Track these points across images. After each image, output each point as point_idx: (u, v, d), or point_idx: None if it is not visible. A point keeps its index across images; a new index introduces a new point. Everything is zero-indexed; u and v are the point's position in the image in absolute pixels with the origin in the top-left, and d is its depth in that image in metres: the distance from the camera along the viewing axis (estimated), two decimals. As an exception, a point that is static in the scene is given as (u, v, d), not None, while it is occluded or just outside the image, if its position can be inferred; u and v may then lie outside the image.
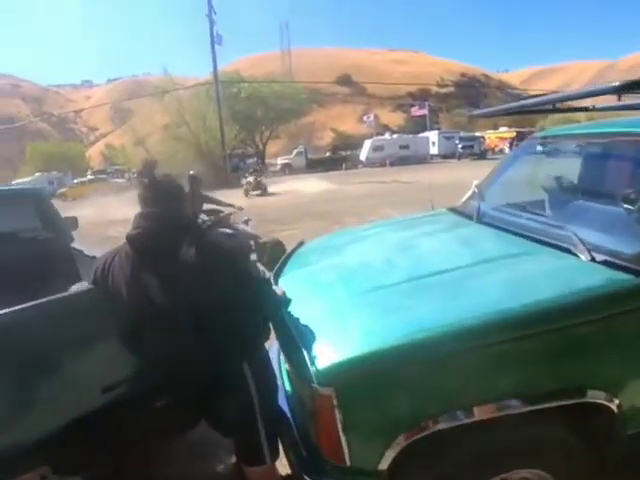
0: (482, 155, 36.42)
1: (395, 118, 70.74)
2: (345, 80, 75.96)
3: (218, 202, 6.10)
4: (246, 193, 20.00)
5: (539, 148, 2.72)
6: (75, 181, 38.48)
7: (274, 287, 1.91)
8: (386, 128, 53.31)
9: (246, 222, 5.91)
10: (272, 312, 1.72)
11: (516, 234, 1.94)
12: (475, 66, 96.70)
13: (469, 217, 2.33)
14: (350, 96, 77.81)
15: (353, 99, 77.01)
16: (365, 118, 49.70)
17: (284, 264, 2.29)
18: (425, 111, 51.03)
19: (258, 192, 19.70)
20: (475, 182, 2.95)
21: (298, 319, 1.69)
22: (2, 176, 43.45)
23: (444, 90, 76.96)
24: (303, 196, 17.32)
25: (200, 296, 1.52)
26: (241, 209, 6.16)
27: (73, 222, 4.66)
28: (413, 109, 54.72)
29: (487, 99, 75.91)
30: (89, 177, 40.82)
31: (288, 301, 1.82)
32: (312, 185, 20.64)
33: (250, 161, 41.32)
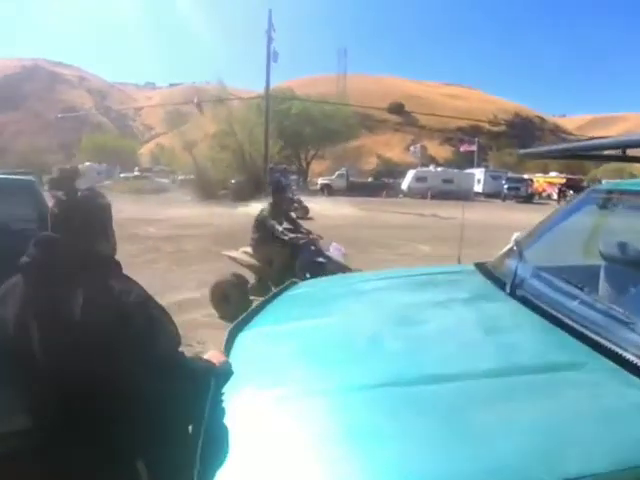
0: (528, 198, 35.24)
1: (443, 151, 69.91)
2: (397, 108, 75.88)
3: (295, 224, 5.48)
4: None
5: (601, 203, 2.21)
6: (122, 175, 39.62)
7: (211, 355, 1.46)
8: (432, 160, 52.60)
9: (337, 249, 5.30)
10: (192, 400, 1.26)
11: (562, 325, 1.42)
12: (530, 107, 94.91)
13: (500, 283, 1.80)
14: (400, 125, 77.58)
15: (403, 128, 76.73)
16: (412, 148, 49.28)
17: (257, 311, 1.85)
18: (474, 147, 50.18)
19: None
20: (515, 235, 2.44)
21: (225, 427, 1.17)
22: (54, 160, 45.38)
23: (496, 128, 75.65)
24: (335, 219, 16.91)
25: (78, 367, 1.10)
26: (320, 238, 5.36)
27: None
28: (462, 145, 53.97)
29: (540, 142, 74.18)
30: (135, 173, 42.03)
31: (224, 379, 1.35)
32: (347, 209, 20.22)
33: (292, 177, 41.51)
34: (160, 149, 53.95)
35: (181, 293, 6.10)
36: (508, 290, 1.68)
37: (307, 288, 2.20)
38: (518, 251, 2.02)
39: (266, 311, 1.90)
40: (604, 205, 2.25)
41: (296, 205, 19.34)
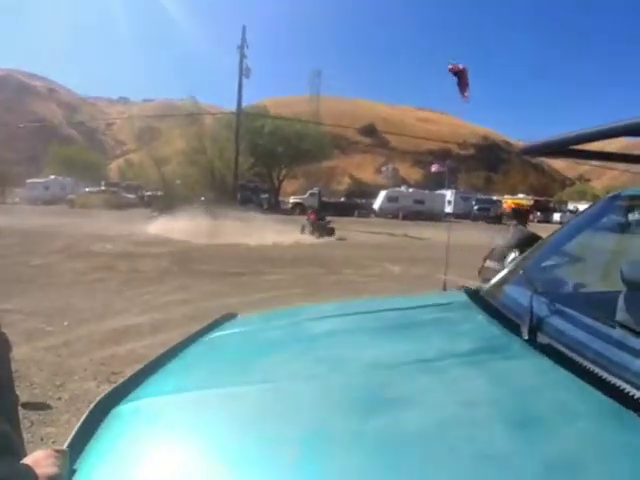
0: (497, 219, 35.76)
1: (413, 173, 70.91)
2: (369, 130, 76.70)
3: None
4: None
5: (623, 213, 1.75)
6: (87, 189, 38.23)
7: (36, 460, 0.87)
8: (403, 181, 53.06)
9: None
10: None
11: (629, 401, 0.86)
12: (497, 132, 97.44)
13: (510, 324, 1.25)
14: (372, 146, 78.39)
15: (375, 150, 77.53)
16: (383, 169, 49.68)
17: (160, 364, 1.24)
18: (444, 169, 50.95)
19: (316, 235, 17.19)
20: (512, 255, 1.93)
21: None
22: (20, 172, 43.81)
23: (464, 152, 77.28)
24: (305, 239, 16.38)
25: None
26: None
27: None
28: (433, 166, 54.77)
29: (506, 165, 76.20)
30: (101, 188, 40.66)
31: None
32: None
33: (263, 196, 41.02)
34: (128, 165, 52.66)
35: (124, 319, 5.39)
36: (526, 335, 1.13)
37: (243, 327, 1.61)
38: (526, 277, 1.49)
39: (177, 364, 1.30)
40: (626, 215, 1.77)
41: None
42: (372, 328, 1.42)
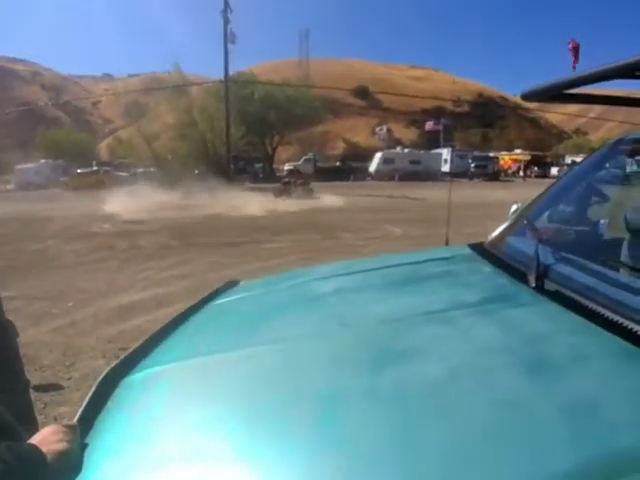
0: (495, 176, 35.60)
1: (408, 133, 70.05)
2: (361, 92, 75.12)
3: None
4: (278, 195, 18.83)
5: (625, 158, 1.71)
6: (79, 171, 37.80)
7: (43, 437, 0.86)
8: (398, 142, 52.45)
9: None
10: None
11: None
12: (493, 87, 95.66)
13: (516, 273, 1.24)
14: (365, 108, 77.03)
15: (368, 112, 76.21)
16: (378, 130, 49.03)
17: (167, 333, 1.24)
18: (439, 127, 50.38)
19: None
20: (514, 206, 1.90)
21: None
22: (12, 158, 43.29)
23: (459, 109, 76.02)
24: (301, 204, 16.29)
25: None
26: None
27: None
28: (427, 124, 54.11)
29: (502, 121, 75.24)
30: (93, 168, 40.19)
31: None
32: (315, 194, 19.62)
33: (258, 165, 40.62)
34: (118, 142, 51.92)
35: (128, 295, 5.41)
36: (533, 283, 1.12)
37: (247, 292, 1.59)
38: (530, 227, 1.47)
39: (183, 332, 1.29)
40: (630, 160, 1.74)
41: None
42: (377, 284, 1.41)
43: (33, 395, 3.07)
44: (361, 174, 37.30)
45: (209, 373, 1.01)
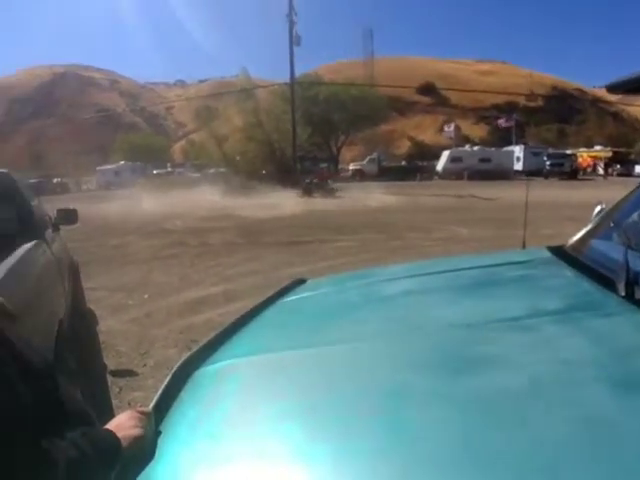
0: (573, 174, 33.41)
1: (477, 130, 67.60)
2: (428, 89, 73.52)
3: None
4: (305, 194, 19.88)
5: None
6: (155, 172, 40.04)
7: (119, 423, 0.89)
8: (467, 140, 50.74)
9: None
10: None
11: None
12: (568, 80, 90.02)
13: (603, 280, 1.14)
14: (432, 106, 75.27)
15: (435, 109, 74.41)
16: (446, 128, 47.74)
17: (236, 328, 1.26)
18: (511, 123, 48.14)
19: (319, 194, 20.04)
20: (598, 207, 1.77)
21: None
22: (92, 161, 46.70)
23: (532, 104, 72.22)
24: (367, 204, 16.19)
25: None
26: None
27: (71, 215, 3.94)
28: (499, 120, 51.89)
29: (580, 115, 70.67)
30: (168, 170, 42.42)
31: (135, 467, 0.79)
32: (378, 194, 19.45)
33: (323, 165, 40.94)
34: (191, 145, 54.41)
35: (200, 290, 5.65)
36: (622, 291, 1.02)
37: (314, 291, 1.59)
38: (618, 230, 1.35)
39: (252, 329, 1.31)
40: None
41: None
42: (450, 287, 1.35)
43: (109, 380, 3.28)
44: (428, 173, 36.46)
45: (278, 370, 1.01)
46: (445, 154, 36.80)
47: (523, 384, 0.80)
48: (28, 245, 2.59)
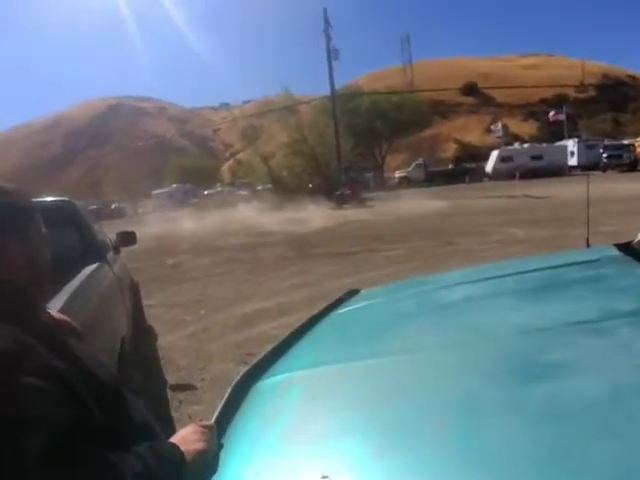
0: (633, 166, 31.44)
1: (527, 127, 65.24)
2: (470, 89, 71.89)
3: None
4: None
5: None
6: (205, 192, 41.33)
7: (183, 437, 0.89)
8: (516, 138, 49.01)
9: None
10: None
11: None
12: (619, 66, 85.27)
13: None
14: (476, 106, 73.46)
15: (479, 109, 72.55)
16: (493, 127, 46.37)
17: (292, 341, 1.24)
18: (562, 117, 46.11)
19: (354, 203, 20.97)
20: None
21: None
22: (147, 186, 48.92)
23: (583, 95, 68.97)
24: (415, 210, 15.95)
25: None
26: None
27: (130, 238, 4.15)
28: (550, 115, 49.85)
29: (635, 103, 66.74)
30: (218, 189, 43.69)
31: None
32: (427, 199, 19.13)
33: (368, 175, 40.83)
34: (238, 164, 55.85)
35: (253, 304, 5.74)
36: None
37: (369, 301, 1.56)
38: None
39: (308, 341, 1.29)
40: None
41: None
42: (514, 291, 1.28)
43: (169, 394, 3.37)
44: (477, 175, 35.48)
45: (337, 382, 0.99)
46: (494, 154, 35.68)
47: (602, 391, 0.74)
48: (91, 267, 2.72)
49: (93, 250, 3.10)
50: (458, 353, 0.97)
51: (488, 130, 57.75)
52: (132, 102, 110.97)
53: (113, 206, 39.95)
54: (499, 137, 42.79)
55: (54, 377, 0.75)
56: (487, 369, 0.89)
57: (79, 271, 2.52)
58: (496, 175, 33.53)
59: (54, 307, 1.05)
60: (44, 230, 0.99)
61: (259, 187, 36.93)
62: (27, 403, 0.69)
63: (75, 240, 3.15)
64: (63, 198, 3.41)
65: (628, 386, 0.76)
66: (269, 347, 1.26)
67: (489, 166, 35.54)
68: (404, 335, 1.14)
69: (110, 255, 3.50)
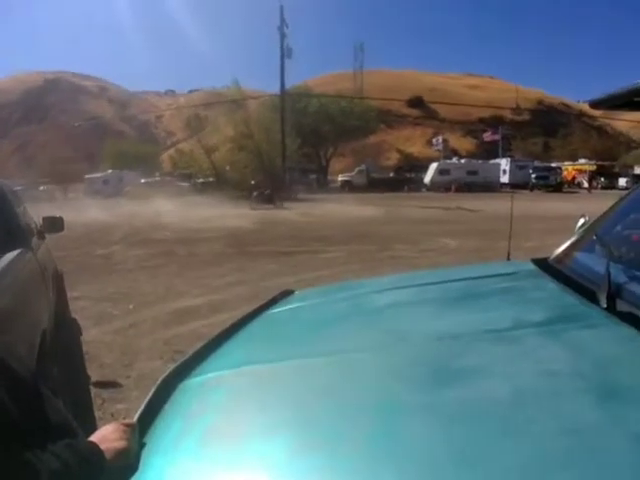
0: (557, 187, 33.96)
1: (465, 143, 68.46)
2: (416, 102, 74.31)
3: None
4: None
5: None
6: (143, 181, 39.73)
7: (103, 435, 0.89)
8: (455, 153, 51.32)
9: None
10: None
11: None
12: (554, 95, 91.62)
13: (585, 292, 1.16)
14: (420, 119, 76.10)
15: (423, 122, 75.22)
16: (434, 141, 48.30)
17: (221, 341, 1.25)
18: (498, 137, 48.89)
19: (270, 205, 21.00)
20: (581, 220, 1.81)
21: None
22: (81, 169, 46.29)
23: (519, 118, 73.41)
24: (355, 216, 16.26)
25: None
26: None
27: (57, 223, 3.92)
28: (485, 134, 52.69)
29: (565, 129, 71.95)
30: (156, 178, 42.14)
31: None
32: (367, 205, 19.57)
33: (312, 176, 41.08)
34: (179, 154, 54.19)
35: (185, 300, 5.60)
36: (604, 303, 1.04)
37: (302, 302, 1.59)
38: (600, 242, 1.38)
39: (238, 340, 1.30)
40: None
41: None
42: (435, 299, 1.37)
43: (93, 391, 3.23)
44: (416, 185, 36.81)
45: (264, 382, 1.01)
46: (433, 166, 37.23)
47: (507, 395, 0.81)
48: (13, 253, 2.55)
49: (16, 234, 2.91)
50: (380, 357, 1.03)
51: (430, 143, 60.02)
52: (71, 78, 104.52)
53: (41, 188, 37.43)
54: (439, 150, 44.72)
55: None
56: (405, 373, 0.94)
57: (-2, 256, 2.36)
58: (434, 186, 35.01)
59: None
60: None
61: (200, 180, 36.09)
62: None
63: (-4, 223, 2.95)
64: (-14, 176, 3.18)
65: (530, 390, 0.84)
66: (198, 345, 1.26)
67: (428, 177, 37.02)
68: (332, 338, 1.18)
69: (34, 241, 3.29)
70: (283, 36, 28.90)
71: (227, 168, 33.33)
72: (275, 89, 33.65)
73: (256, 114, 34.93)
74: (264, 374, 1.03)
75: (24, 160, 62.59)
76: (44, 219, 3.92)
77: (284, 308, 1.56)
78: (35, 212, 4.23)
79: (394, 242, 10.06)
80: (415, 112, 76.97)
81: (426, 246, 9.57)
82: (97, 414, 2.89)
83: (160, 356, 3.85)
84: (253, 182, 28.95)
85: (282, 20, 29.01)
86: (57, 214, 4.13)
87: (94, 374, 3.50)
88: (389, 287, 1.58)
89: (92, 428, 0.92)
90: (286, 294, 1.75)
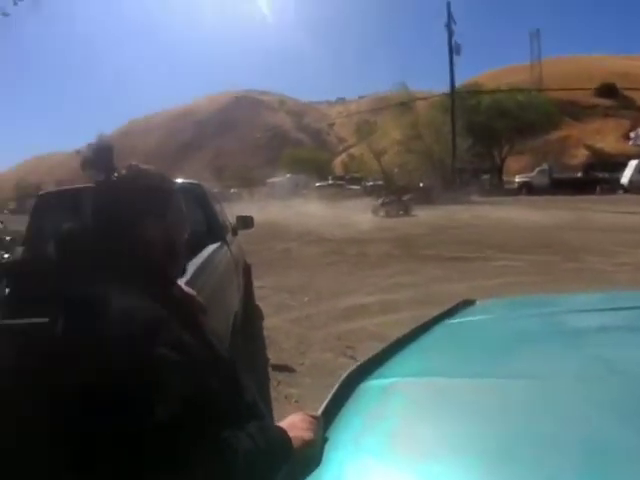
0: None
1: (676, 136, 57.21)
2: (607, 90, 64.58)
3: None
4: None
5: None
6: (317, 184, 42.49)
7: (292, 423, 0.88)
8: (660, 147, 43.24)
9: None
10: None
11: None
12: None
13: None
14: (613, 109, 65.89)
15: (617, 113, 65.01)
16: (632, 134, 41.47)
17: (399, 347, 1.20)
18: None
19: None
20: None
21: None
22: (264, 174, 52.09)
23: None
24: (534, 221, 14.82)
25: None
26: None
27: (248, 221, 4.43)
28: None
29: None
30: (329, 182, 44.67)
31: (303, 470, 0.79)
32: (551, 209, 17.69)
33: (485, 177, 38.76)
34: (350, 159, 56.53)
35: (356, 297, 5.81)
36: None
37: (485, 313, 1.46)
38: None
39: (418, 348, 1.25)
40: None
41: None
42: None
43: (270, 373, 3.53)
44: (610, 186, 31.91)
45: (446, 395, 0.95)
46: (632, 164, 31.77)
47: None
48: (213, 246, 2.93)
49: (215, 230, 3.34)
50: (587, 387, 0.88)
51: (625, 137, 51.72)
52: (254, 95, 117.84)
53: (232, 191, 42.93)
54: (638, 145, 38.07)
55: (185, 352, 0.79)
56: (622, 409, 0.79)
57: (202, 249, 2.72)
58: (633, 188, 29.79)
59: (181, 281, 1.13)
60: (184, 210, 1.05)
61: (370, 183, 36.91)
62: (162, 374, 0.74)
63: (201, 220, 3.42)
64: (193, 180, 3.71)
65: None
66: (379, 348, 1.24)
67: (625, 177, 31.73)
68: (524, 358, 1.06)
69: (229, 236, 3.74)
70: (451, 32, 27.90)
71: (395, 170, 33.56)
72: (443, 88, 32.73)
73: (425, 115, 34.41)
74: (445, 387, 0.98)
75: (217, 167, 72.42)
76: (237, 217, 4.45)
77: (466, 319, 1.46)
78: (228, 211, 4.82)
79: (582, 252, 8.84)
80: (606, 102, 66.85)
81: (623, 259, 8.17)
82: (272, 395, 3.14)
83: (331, 349, 4.03)
84: (421, 184, 28.59)
85: (449, 16, 28.07)
86: (246, 213, 4.64)
87: (273, 357, 3.83)
88: (592, 307, 1.36)
89: (267, 408, 0.96)
90: (467, 304, 1.64)
